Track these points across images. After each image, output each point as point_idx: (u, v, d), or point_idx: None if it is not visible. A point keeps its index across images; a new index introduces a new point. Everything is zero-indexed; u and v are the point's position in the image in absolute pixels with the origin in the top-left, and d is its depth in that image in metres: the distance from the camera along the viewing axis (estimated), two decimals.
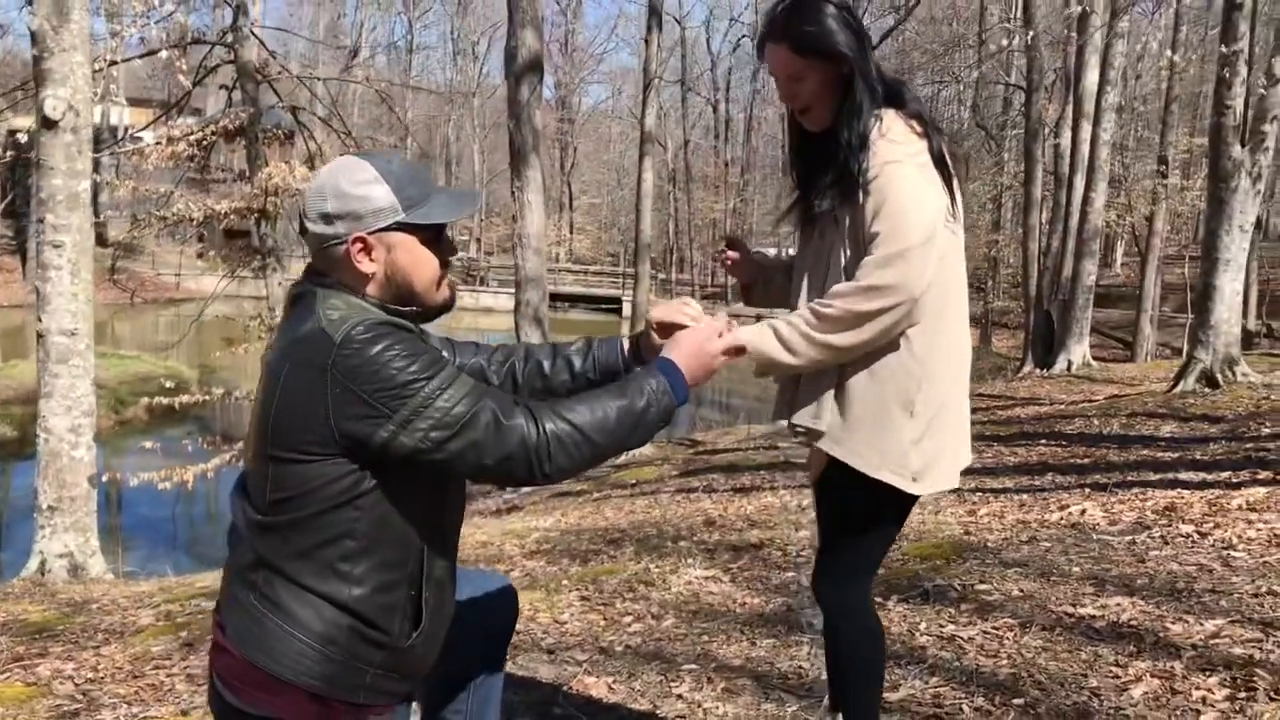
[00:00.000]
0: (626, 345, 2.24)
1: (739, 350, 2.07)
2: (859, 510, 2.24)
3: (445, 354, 2.06)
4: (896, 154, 2.09)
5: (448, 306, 1.96)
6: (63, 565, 6.76)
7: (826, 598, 2.34)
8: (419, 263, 1.88)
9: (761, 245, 2.56)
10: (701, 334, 2.03)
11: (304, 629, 1.78)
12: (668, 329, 2.11)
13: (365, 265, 1.84)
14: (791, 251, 2.45)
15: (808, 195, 2.25)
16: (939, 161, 2.12)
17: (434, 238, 1.90)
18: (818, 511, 2.41)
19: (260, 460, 1.81)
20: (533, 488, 11.05)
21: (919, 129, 2.13)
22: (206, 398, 13.45)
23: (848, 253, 2.13)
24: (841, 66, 2.13)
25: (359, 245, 1.83)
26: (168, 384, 13.73)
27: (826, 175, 2.16)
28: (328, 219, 1.83)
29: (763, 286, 2.44)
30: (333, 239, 1.84)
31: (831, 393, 2.16)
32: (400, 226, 1.85)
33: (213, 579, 6.30)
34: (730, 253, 2.49)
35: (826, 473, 2.28)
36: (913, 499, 2.27)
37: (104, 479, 7.71)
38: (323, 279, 1.86)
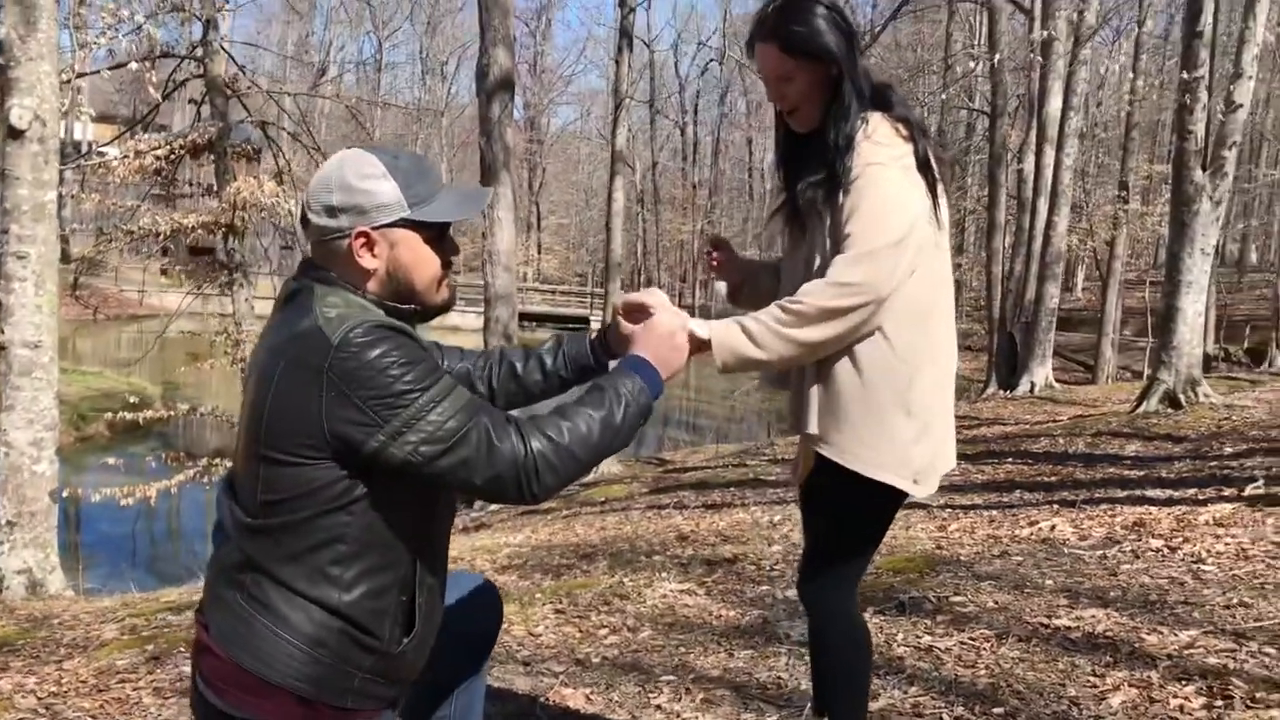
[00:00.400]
0: (595, 338, 2.23)
1: (704, 344, 2.07)
2: (850, 514, 2.24)
3: (440, 361, 2.04)
4: (880, 156, 2.10)
5: (447, 307, 1.94)
6: (21, 582, 6.62)
7: (813, 601, 2.33)
8: (421, 261, 1.86)
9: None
10: (666, 324, 2.02)
11: (293, 631, 1.75)
12: (634, 313, 2.11)
13: (367, 261, 1.82)
14: (779, 253, 2.46)
15: (795, 195, 2.26)
16: (924, 165, 2.14)
17: (437, 236, 1.88)
18: (804, 517, 2.41)
19: (251, 460, 1.77)
20: (506, 505, 11.01)
21: (905, 132, 2.15)
22: (170, 414, 13.30)
23: (829, 252, 2.14)
24: (830, 67, 2.15)
25: (362, 240, 1.81)
26: (131, 399, 13.54)
27: (813, 175, 2.17)
28: (331, 211, 1.80)
29: (750, 288, 2.44)
30: (335, 232, 1.81)
31: (829, 398, 2.16)
32: (405, 223, 1.82)
33: (178, 594, 6.21)
34: (716, 254, 2.49)
35: (814, 478, 2.28)
36: (898, 503, 2.28)
37: (64, 495, 7.58)
38: (321, 274, 1.83)
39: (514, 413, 1.90)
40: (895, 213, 2.07)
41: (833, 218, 2.13)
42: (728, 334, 2.07)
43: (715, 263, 2.48)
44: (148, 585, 8.19)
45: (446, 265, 1.91)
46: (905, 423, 2.14)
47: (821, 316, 2.05)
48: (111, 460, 12.31)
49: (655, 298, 2.11)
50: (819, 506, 2.33)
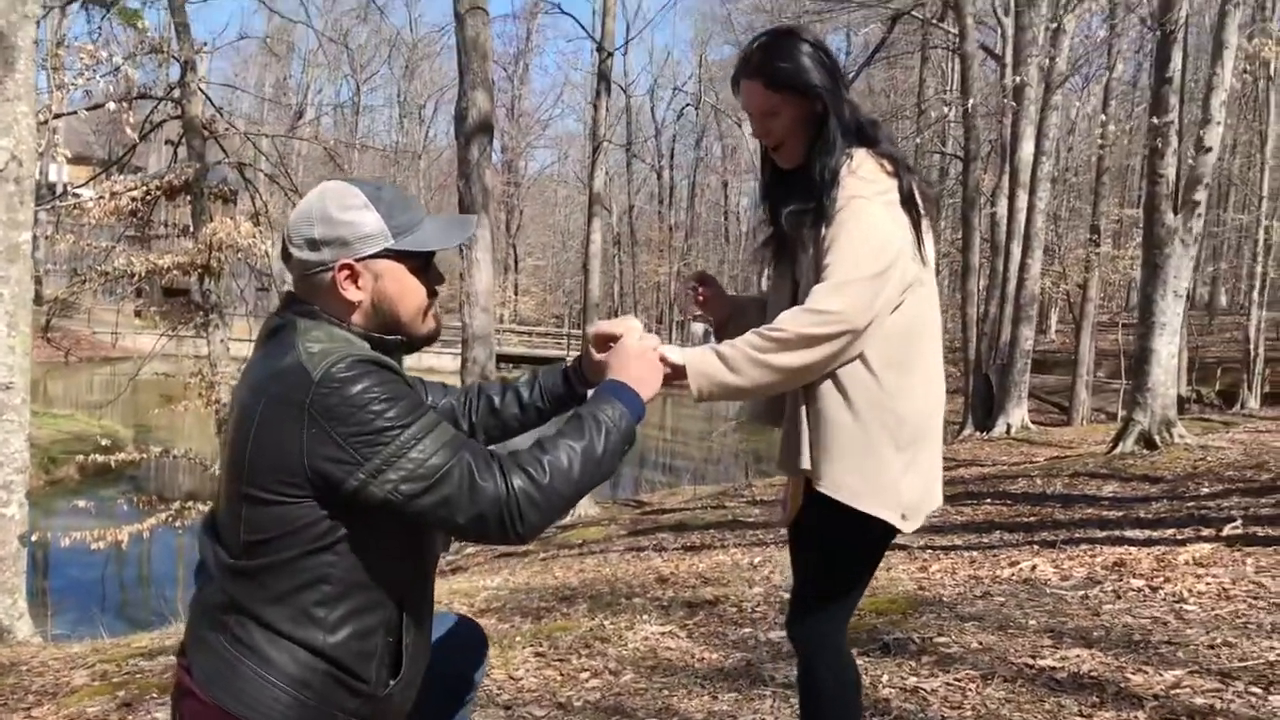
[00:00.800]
0: (569, 368, 2.22)
1: (679, 371, 2.05)
2: (839, 550, 2.22)
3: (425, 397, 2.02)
4: (864, 190, 2.11)
5: (433, 337, 1.91)
6: None
7: (803, 640, 2.30)
8: (406, 291, 1.84)
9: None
10: (636, 344, 2.01)
11: (278, 673, 1.71)
12: (605, 342, 2.10)
13: (351, 293, 1.79)
14: (765, 288, 2.46)
15: (781, 230, 2.26)
16: (908, 201, 2.15)
17: (422, 266, 1.85)
18: (793, 557, 2.39)
19: (233, 500, 1.74)
20: (485, 546, 10.91)
21: (889, 168, 2.16)
22: (142, 456, 13.14)
23: (813, 283, 2.14)
24: (815, 103, 2.16)
25: (346, 272, 1.78)
26: (103, 442, 13.38)
27: (799, 209, 2.17)
28: (314, 244, 1.78)
29: (736, 324, 2.43)
30: (318, 265, 1.78)
31: (818, 433, 2.14)
32: (389, 254, 1.80)
33: (150, 639, 6.09)
34: (702, 289, 2.48)
35: (803, 516, 2.26)
36: (887, 541, 2.26)
37: (33, 539, 7.45)
38: (304, 308, 1.80)
39: (493, 448, 1.87)
40: (876, 246, 2.08)
41: (816, 249, 2.14)
42: (703, 360, 2.06)
43: (701, 298, 2.47)
44: (118, 630, 8.05)
45: (432, 295, 1.89)
46: (894, 457, 2.13)
47: (798, 343, 2.04)
48: (82, 503, 12.13)
49: (627, 325, 2.10)
50: (808, 544, 2.31)
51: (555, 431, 1.85)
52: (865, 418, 2.11)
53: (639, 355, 1.99)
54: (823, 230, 2.11)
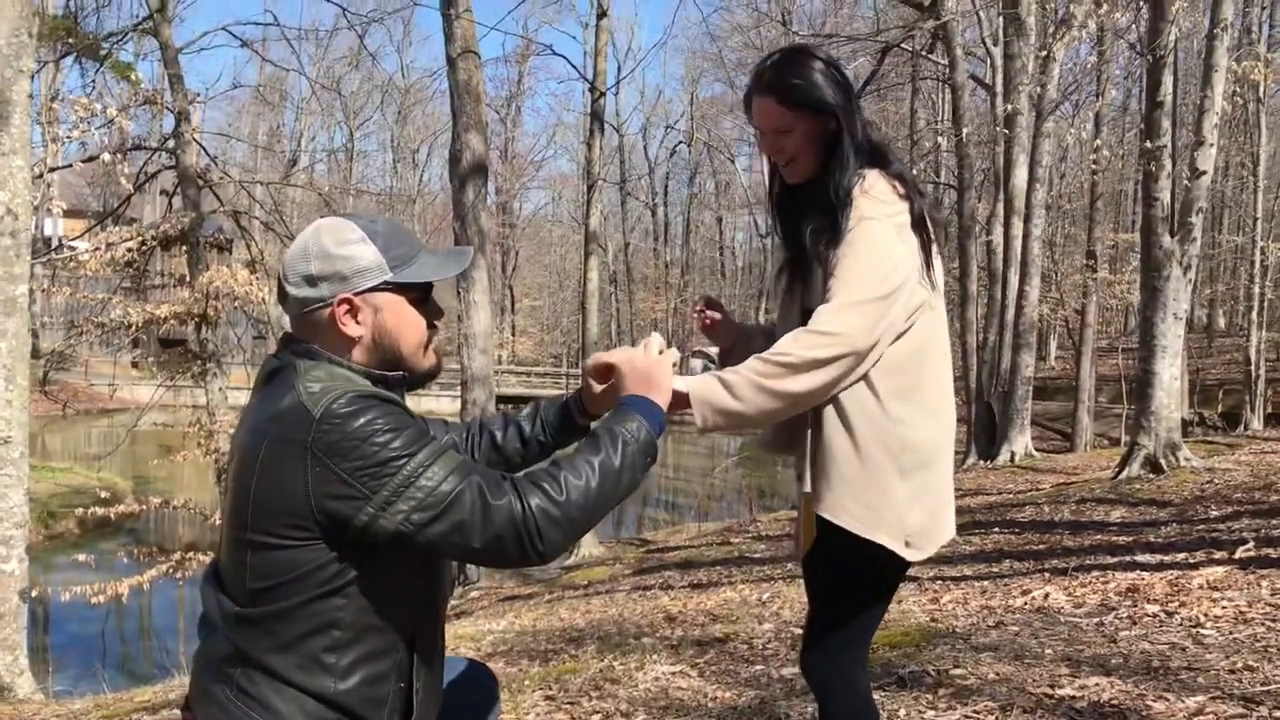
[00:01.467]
0: (571, 398, 2.18)
1: (681, 399, 2.01)
2: (849, 581, 2.18)
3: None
4: (875, 211, 2.09)
5: (434, 374, 1.87)
6: None
7: (815, 674, 2.24)
8: (406, 324, 1.80)
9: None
10: (645, 357, 1.97)
11: None
12: (605, 372, 2.06)
13: (351, 329, 1.76)
14: (771, 317, 2.43)
15: (794, 247, 2.23)
16: (918, 224, 2.12)
17: (421, 298, 1.82)
18: (808, 588, 2.34)
19: (238, 546, 1.69)
20: (512, 570, 10.81)
21: (901, 190, 2.13)
22: (141, 508, 13.06)
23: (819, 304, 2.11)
24: (828, 121, 2.15)
25: (345, 307, 1.75)
26: (102, 495, 13.30)
27: (818, 227, 2.15)
28: (311, 281, 1.75)
29: (740, 351, 2.38)
30: (316, 302, 1.75)
31: (824, 459, 2.11)
32: (388, 286, 1.77)
33: (152, 693, 6.01)
34: (709, 313, 2.44)
35: (815, 548, 2.22)
36: (900, 572, 2.21)
37: (33, 594, 7.38)
38: (303, 347, 1.77)
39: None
40: (882, 268, 2.05)
41: (825, 270, 2.11)
42: (706, 388, 2.02)
43: (708, 322, 2.43)
44: (121, 685, 7.95)
45: (432, 328, 1.86)
46: (898, 484, 2.09)
47: (802, 367, 2.00)
48: (82, 557, 12.05)
49: (623, 354, 2.05)
50: (819, 576, 2.26)
51: (575, 449, 1.81)
52: (868, 445, 2.08)
53: (652, 366, 1.95)
54: (833, 251, 2.09)
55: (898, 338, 2.08)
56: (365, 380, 1.76)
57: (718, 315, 2.44)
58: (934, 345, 2.16)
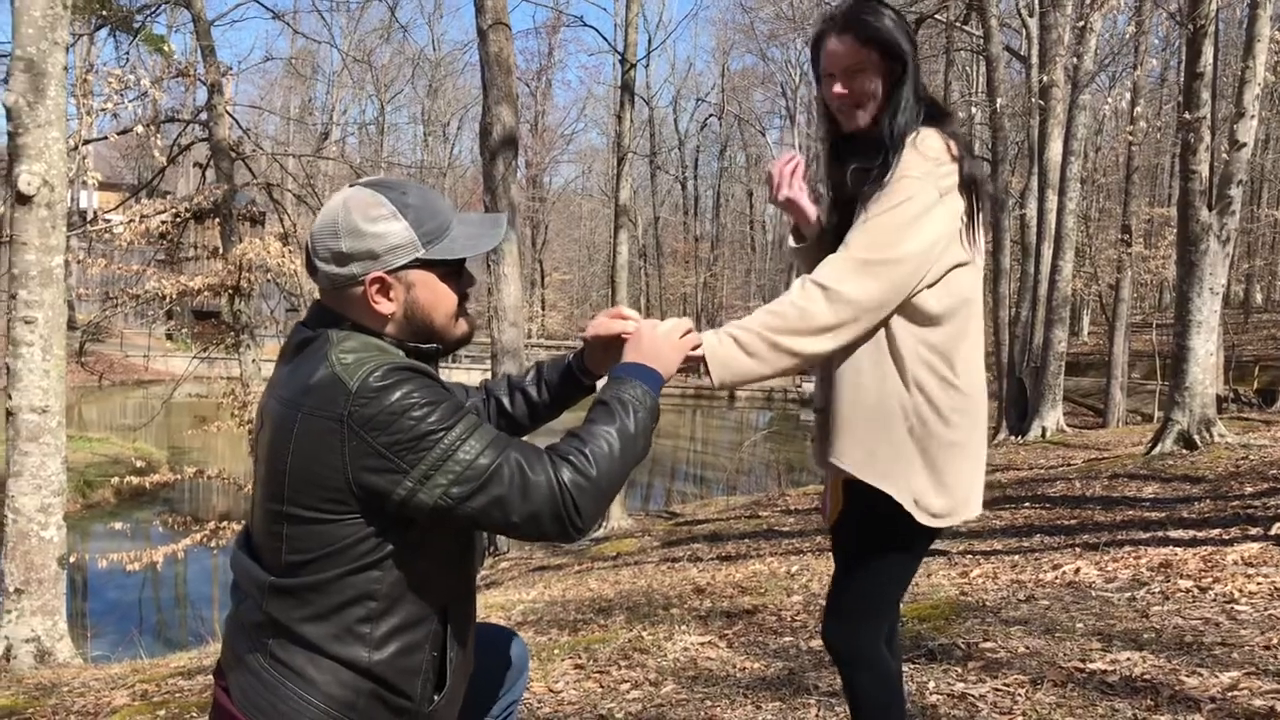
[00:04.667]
0: (573, 359, 2.20)
1: (696, 358, 2.02)
2: (871, 547, 2.18)
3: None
4: (919, 169, 2.07)
5: (467, 339, 1.85)
6: (29, 650, 6.51)
7: (835, 640, 2.25)
8: (439, 299, 1.78)
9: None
10: (655, 326, 1.99)
11: (321, 694, 1.66)
12: (604, 340, 2.08)
13: (384, 306, 1.74)
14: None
15: (838, 193, 2.23)
16: (966, 185, 2.10)
17: (455, 271, 1.80)
18: (836, 558, 2.34)
19: (273, 518, 1.68)
20: (539, 547, 10.89)
21: (954, 150, 2.11)
22: (176, 477, 13.21)
23: None
24: (895, 66, 2.14)
25: (377, 285, 1.72)
26: (137, 464, 13.46)
27: (862, 166, 2.14)
28: (341, 258, 1.72)
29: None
30: (347, 279, 1.73)
31: (847, 421, 2.11)
32: (420, 263, 1.74)
33: (188, 658, 6.10)
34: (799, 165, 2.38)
35: (842, 516, 2.22)
36: (926, 541, 2.20)
37: (71, 561, 7.49)
38: (335, 319, 1.75)
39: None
40: (907, 229, 2.04)
41: (864, 207, 2.11)
42: (720, 347, 2.03)
43: (795, 169, 2.35)
44: (156, 651, 8.08)
45: (464, 298, 1.84)
46: (908, 441, 2.10)
47: (813, 330, 2.02)
48: (118, 526, 12.24)
49: (624, 313, 2.07)
50: (845, 540, 2.26)
51: (586, 420, 1.81)
52: (887, 402, 2.09)
53: (661, 336, 1.96)
54: (875, 190, 2.09)
55: (931, 300, 2.07)
56: (398, 352, 1.74)
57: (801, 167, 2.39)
58: (971, 308, 2.14)
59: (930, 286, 2.07)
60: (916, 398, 2.09)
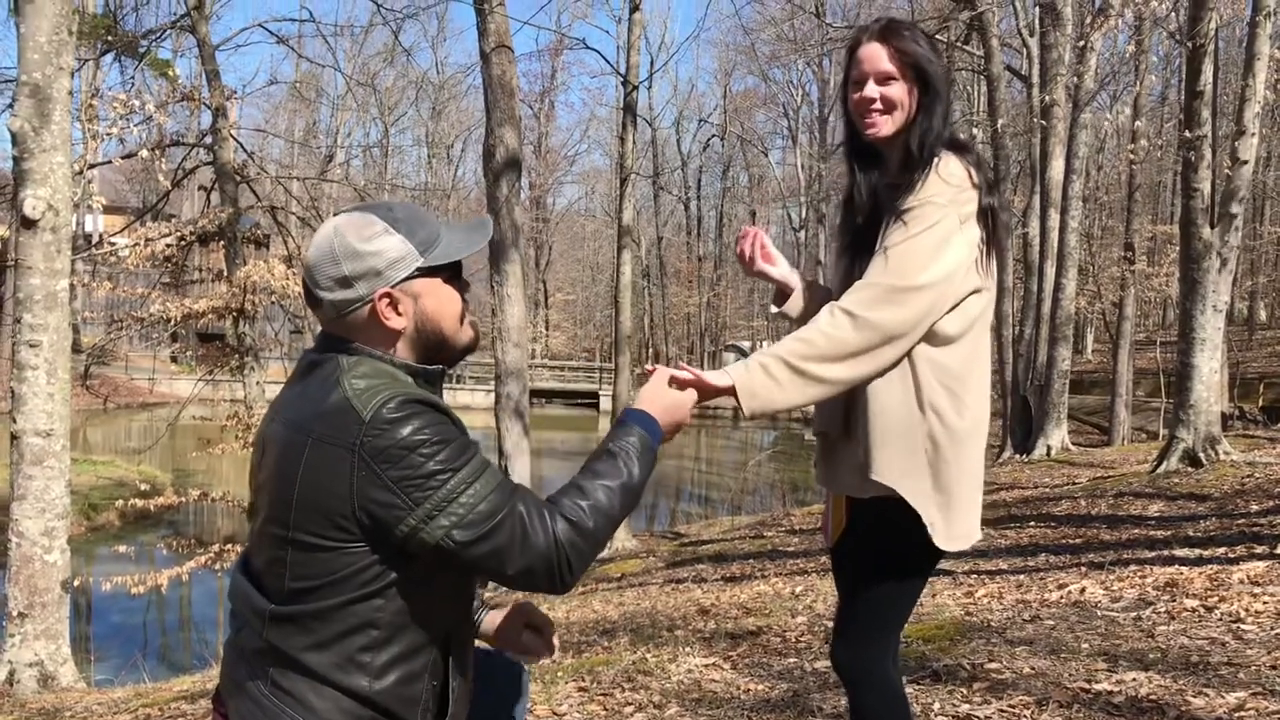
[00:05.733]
0: None
1: (725, 391, 2.04)
2: (881, 565, 2.18)
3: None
4: (943, 195, 2.09)
5: (473, 346, 1.87)
6: (32, 675, 6.50)
7: (844, 664, 2.24)
8: (445, 304, 1.80)
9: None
10: (664, 388, 2.00)
11: None
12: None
13: (394, 321, 1.75)
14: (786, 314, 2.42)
15: (856, 199, 2.25)
16: (983, 215, 2.12)
17: (453, 275, 1.83)
18: (837, 579, 2.33)
19: (276, 544, 1.68)
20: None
21: (975, 178, 2.13)
22: (179, 500, 13.21)
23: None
24: (927, 84, 2.17)
25: (386, 301, 1.74)
26: (142, 487, 13.46)
27: (893, 183, 2.17)
28: (345, 282, 1.73)
29: (809, 295, 2.38)
30: (355, 302, 1.74)
31: (862, 438, 2.12)
32: (421, 272, 1.76)
33: (192, 682, 6.09)
34: (763, 243, 2.41)
35: (846, 537, 2.22)
36: (928, 563, 2.20)
37: (75, 585, 7.48)
38: (343, 344, 1.76)
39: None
40: (932, 256, 2.05)
41: (883, 231, 2.12)
42: (749, 380, 2.04)
43: (762, 249, 2.39)
44: (160, 675, 8.06)
45: (465, 303, 1.86)
46: (929, 475, 2.10)
47: (841, 357, 2.04)
48: (122, 549, 12.23)
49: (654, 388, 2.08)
50: (848, 566, 2.26)
51: (587, 469, 1.81)
52: (906, 428, 2.10)
53: (662, 392, 1.99)
54: (892, 218, 2.10)
55: (947, 323, 2.09)
56: (408, 376, 1.75)
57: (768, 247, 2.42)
58: (981, 336, 2.16)
59: (948, 312, 2.09)
60: (931, 420, 2.09)
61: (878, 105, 2.18)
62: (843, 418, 2.22)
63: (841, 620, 2.28)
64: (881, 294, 2.04)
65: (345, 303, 1.74)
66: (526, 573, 1.66)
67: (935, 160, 2.13)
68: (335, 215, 1.83)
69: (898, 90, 2.17)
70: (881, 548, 2.16)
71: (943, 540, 2.11)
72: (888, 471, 2.10)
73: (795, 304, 2.39)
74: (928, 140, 2.14)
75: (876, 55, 2.18)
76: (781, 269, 2.40)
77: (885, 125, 2.19)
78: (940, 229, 2.06)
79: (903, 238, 2.07)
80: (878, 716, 2.22)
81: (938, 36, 20.13)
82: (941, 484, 2.11)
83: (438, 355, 1.82)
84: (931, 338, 2.09)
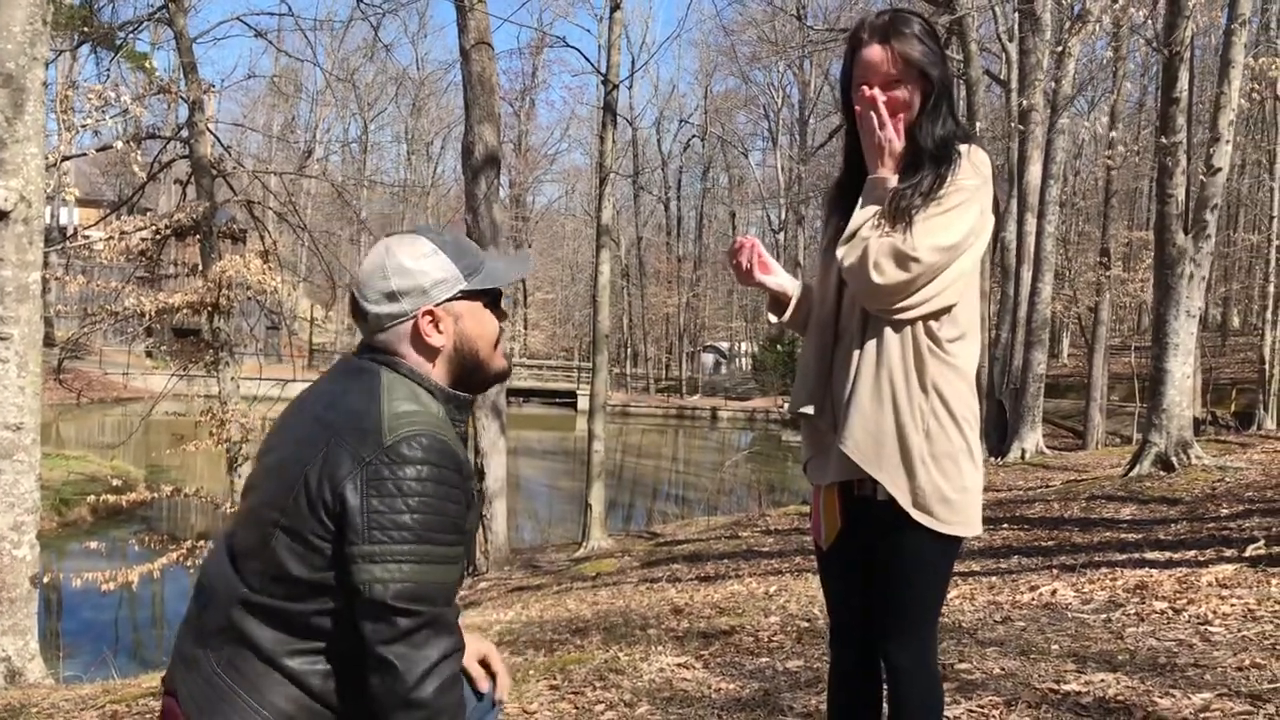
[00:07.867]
0: None
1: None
2: (912, 562, 2.20)
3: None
4: (976, 179, 2.15)
5: (505, 374, 1.95)
6: None
7: (899, 658, 2.24)
8: (484, 327, 1.88)
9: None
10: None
11: (272, 709, 1.67)
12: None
13: (435, 339, 1.82)
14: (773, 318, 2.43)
15: (850, 201, 2.25)
16: (991, 206, 2.20)
17: (492, 301, 1.90)
18: (830, 581, 2.36)
19: (267, 526, 1.70)
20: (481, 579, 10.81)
21: (986, 172, 2.19)
22: (152, 496, 13.12)
23: None
24: (931, 80, 2.20)
25: (429, 318, 1.81)
26: (114, 482, 13.35)
27: (911, 185, 2.18)
28: (392, 297, 1.81)
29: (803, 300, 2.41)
30: (399, 317, 1.81)
31: (862, 432, 2.15)
32: (464, 294, 1.84)
33: (160, 679, 6.03)
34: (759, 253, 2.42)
35: (848, 539, 2.24)
36: (955, 547, 2.23)
37: (44, 580, 7.42)
38: (386, 358, 1.82)
39: None
40: (970, 228, 2.12)
41: (905, 221, 2.14)
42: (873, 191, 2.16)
43: (759, 259, 2.39)
44: (130, 671, 7.99)
45: (500, 329, 1.94)
46: (931, 465, 2.14)
47: (902, 265, 2.07)
48: (94, 544, 12.11)
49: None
50: (851, 564, 2.29)
51: None
52: (905, 422, 2.13)
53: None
54: (927, 200, 2.13)
55: (951, 319, 2.15)
56: (442, 405, 1.80)
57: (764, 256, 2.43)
58: (975, 322, 2.21)
59: (953, 307, 2.14)
60: (934, 403, 2.13)
61: (885, 107, 2.20)
62: (833, 406, 2.23)
63: (887, 618, 2.26)
64: (935, 243, 2.08)
65: (390, 316, 1.82)
66: (382, 666, 1.64)
67: (965, 148, 2.18)
68: (388, 235, 1.92)
69: (902, 93, 2.19)
70: (906, 542, 2.18)
71: (960, 529, 2.16)
72: (885, 463, 2.13)
73: (794, 312, 2.40)
74: (937, 137, 2.18)
75: (879, 60, 2.20)
76: (779, 278, 2.41)
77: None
78: (974, 203, 2.13)
79: (936, 212, 2.10)
80: (921, 703, 2.24)
81: None
82: (945, 472, 2.14)
83: (471, 378, 1.88)
84: (933, 335, 2.13)
